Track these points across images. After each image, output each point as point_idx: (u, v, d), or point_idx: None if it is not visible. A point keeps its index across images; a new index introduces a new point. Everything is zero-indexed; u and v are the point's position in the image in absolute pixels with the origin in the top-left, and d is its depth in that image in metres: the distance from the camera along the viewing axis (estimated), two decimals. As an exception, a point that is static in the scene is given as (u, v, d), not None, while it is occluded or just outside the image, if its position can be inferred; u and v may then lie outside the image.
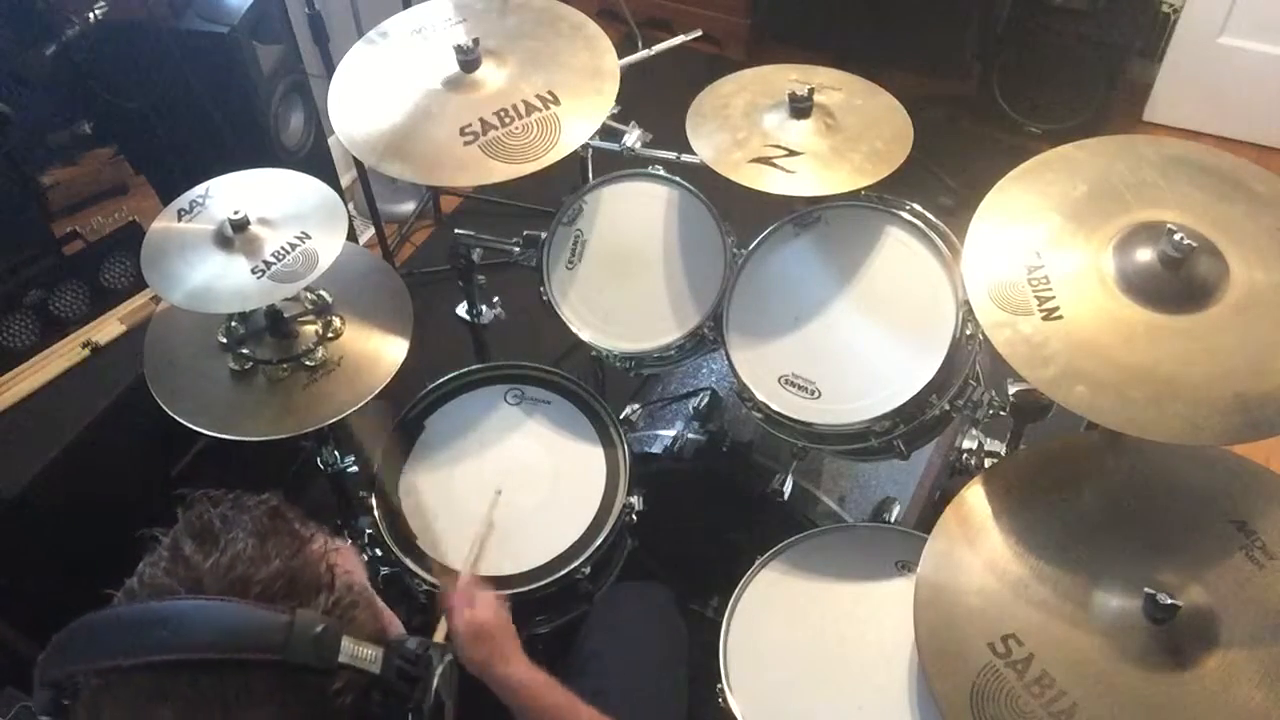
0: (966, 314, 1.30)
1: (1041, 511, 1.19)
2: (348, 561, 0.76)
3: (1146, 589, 1.06)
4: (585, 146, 1.66)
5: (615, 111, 1.55)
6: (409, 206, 2.90)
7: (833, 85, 1.51)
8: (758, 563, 1.40)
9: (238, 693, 0.65)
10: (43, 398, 1.64)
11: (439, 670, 0.75)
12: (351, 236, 1.88)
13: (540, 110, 1.46)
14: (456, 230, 1.74)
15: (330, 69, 1.94)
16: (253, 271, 1.33)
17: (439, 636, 1.21)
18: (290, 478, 2.01)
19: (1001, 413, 1.41)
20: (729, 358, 1.45)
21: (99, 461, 1.61)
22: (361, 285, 1.57)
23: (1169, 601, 1.04)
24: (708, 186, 1.54)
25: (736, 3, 3.21)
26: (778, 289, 1.47)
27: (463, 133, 1.44)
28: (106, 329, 1.73)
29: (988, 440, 1.49)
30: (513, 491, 1.48)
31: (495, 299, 1.85)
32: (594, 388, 1.63)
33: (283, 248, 1.35)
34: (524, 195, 2.71)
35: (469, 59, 1.50)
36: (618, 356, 1.57)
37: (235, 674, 0.65)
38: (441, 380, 1.63)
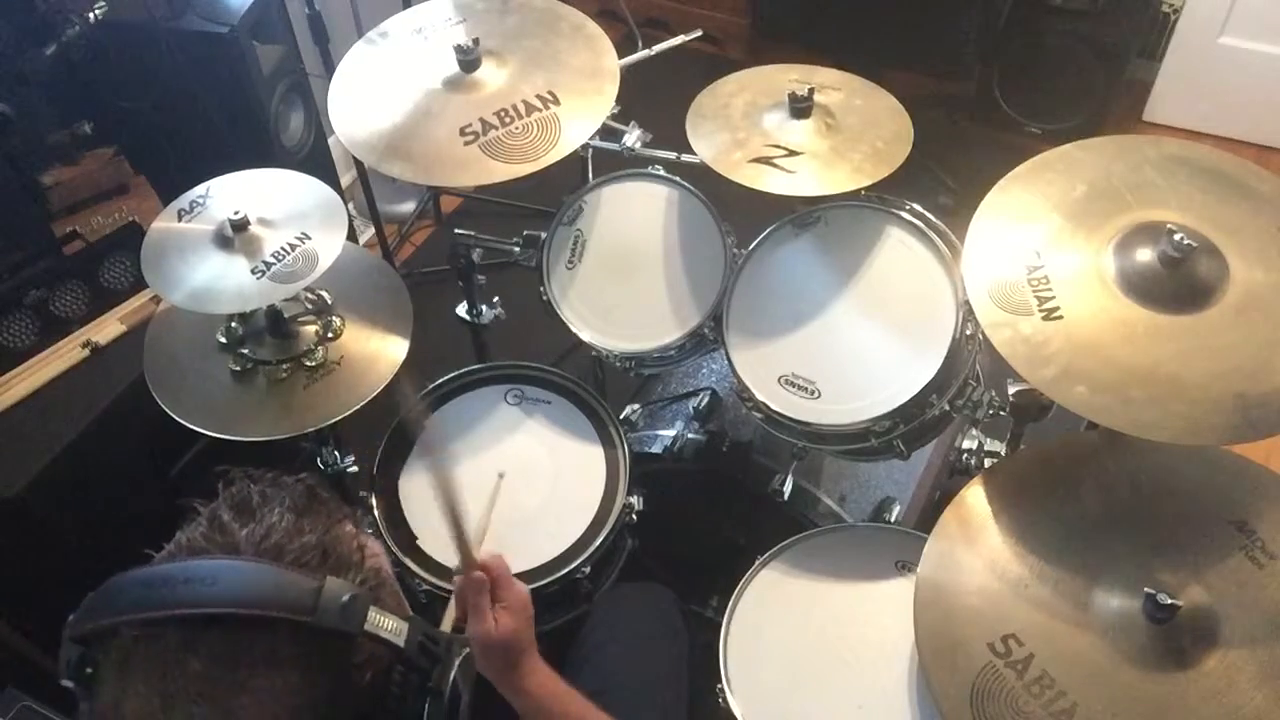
0: (966, 314, 1.30)
1: (1041, 511, 1.19)
2: (375, 548, 0.78)
3: (1146, 589, 1.06)
4: (585, 146, 1.66)
5: (615, 111, 1.55)
6: (409, 206, 2.90)
7: (833, 85, 1.51)
8: (758, 563, 1.40)
9: (265, 651, 0.66)
10: (43, 398, 1.63)
11: (459, 658, 0.76)
12: (351, 236, 1.88)
13: (540, 110, 1.46)
14: (456, 230, 1.74)
15: (330, 69, 1.95)
16: (253, 272, 1.33)
17: (446, 626, 1.20)
18: (290, 478, 2.01)
19: (1001, 413, 1.41)
20: (729, 358, 1.45)
21: (99, 461, 1.61)
22: (361, 285, 1.57)
23: (1169, 601, 1.05)
24: (708, 186, 1.54)
25: (736, 3, 3.21)
26: (778, 289, 1.47)
27: (463, 133, 1.44)
28: (106, 329, 1.72)
29: (988, 440, 1.49)
30: (513, 492, 1.48)
31: (495, 299, 1.85)
32: (594, 388, 1.63)
33: (283, 248, 1.35)
34: (524, 195, 2.71)
35: (469, 59, 1.50)
36: (618, 356, 1.57)
37: (264, 632, 0.66)
38: (441, 380, 1.63)
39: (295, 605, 0.67)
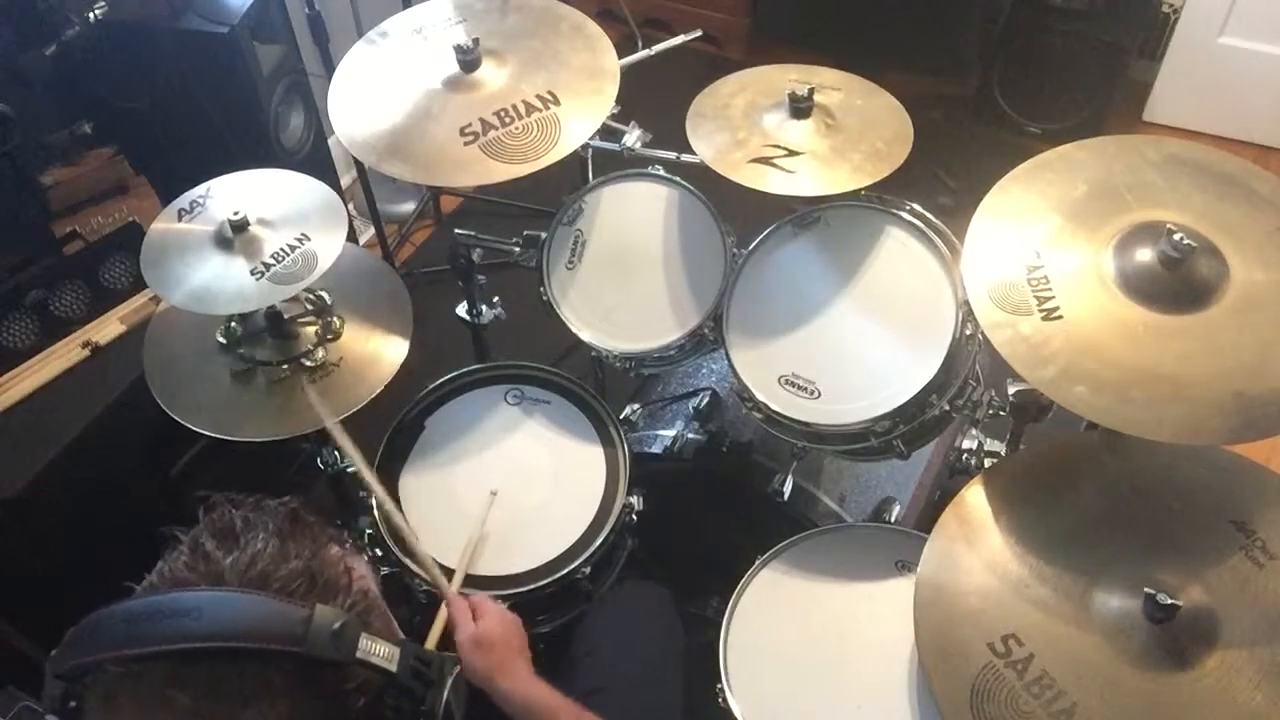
0: (966, 314, 1.30)
1: (1041, 511, 1.19)
2: (362, 568, 0.77)
3: (1146, 589, 1.06)
4: (585, 146, 1.66)
5: (615, 111, 1.55)
6: (409, 206, 2.90)
7: (833, 85, 1.51)
8: (758, 563, 1.40)
9: (255, 684, 0.65)
10: (43, 398, 1.64)
11: (451, 678, 0.76)
12: (351, 237, 1.88)
13: (540, 110, 1.46)
14: (456, 230, 1.73)
15: (330, 69, 1.94)
16: (252, 272, 1.33)
17: (432, 641, 1.21)
18: (290, 478, 2.01)
19: (1001, 413, 1.41)
20: (729, 358, 1.45)
21: (99, 461, 1.61)
22: (361, 285, 1.57)
23: (1169, 601, 1.04)
24: (708, 186, 1.54)
25: (736, 3, 3.21)
26: (778, 289, 1.47)
27: (463, 133, 1.44)
28: (106, 329, 1.73)
29: (988, 440, 1.49)
30: (513, 492, 1.48)
31: (495, 299, 1.85)
32: (594, 388, 1.63)
33: (282, 249, 1.35)
34: (524, 195, 2.71)
35: (469, 59, 1.50)
36: (618, 356, 1.57)
37: (253, 665, 0.65)
38: (441, 380, 1.63)
39: (284, 636, 0.65)
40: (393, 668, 0.70)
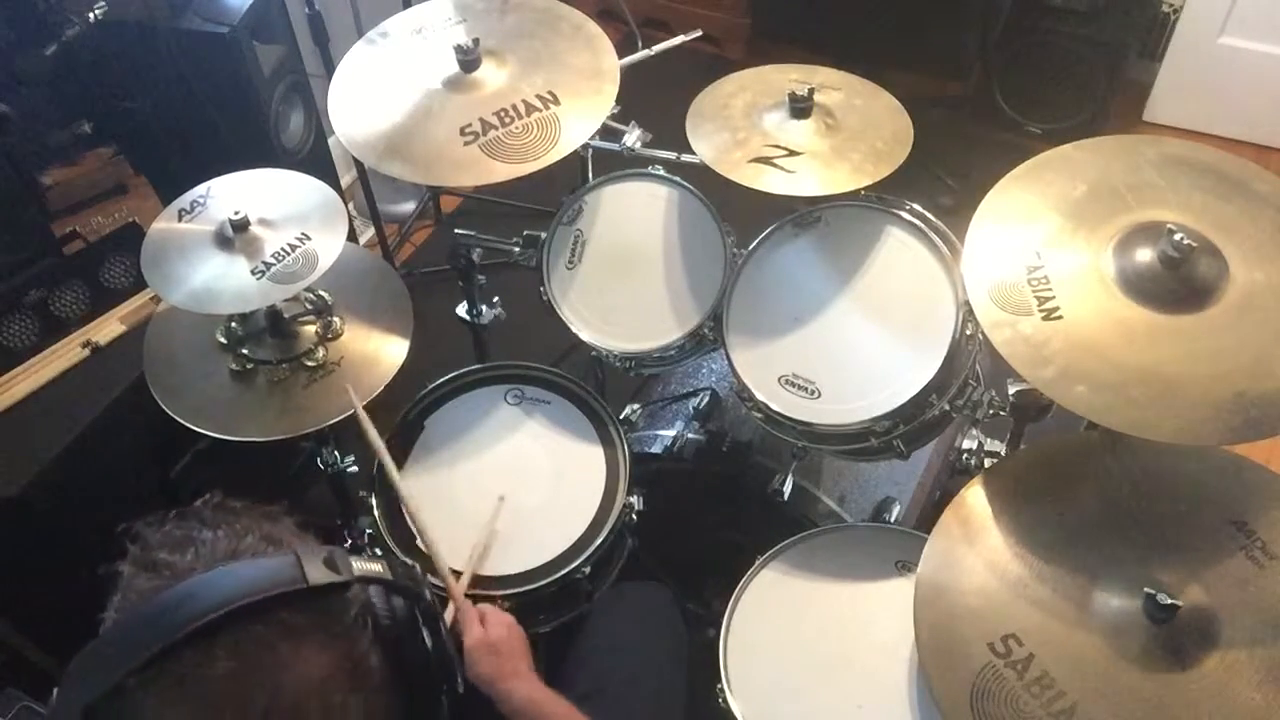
0: (966, 314, 1.30)
1: (1041, 511, 1.19)
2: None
3: (1146, 589, 1.07)
4: (585, 146, 1.66)
5: (615, 111, 1.55)
6: (409, 206, 2.90)
7: (833, 85, 1.51)
8: (758, 563, 1.40)
9: (277, 631, 0.67)
10: (43, 398, 1.64)
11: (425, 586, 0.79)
12: (351, 236, 1.88)
13: (540, 110, 1.46)
14: (456, 230, 1.73)
15: (330, 69, 1.94)
16: (253, 272, 1.33)
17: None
18: (290, 478, 2.01)
19: (1001, 413, 1.41)
20: (729, 358, 1.45)
21: (99, 461, 1.61)
22: (361, 285, 1.57)
23: (1169, 601, 1.05)
24: (708, 186, 1.54)
25: (736, 3, 3.21)
26: (778, 289, 1.47)
27: (463, 133, 1.44)
28: (106, 329, 1.73)
29: (988, 440, 1.49)
30: (513, 492, 1.48)
31: (495, 299, 1.85)
32: (594, 388, 1.63)
33: (283, 248, 1.36)
34: (524, 195, 2.71)
35: (469, 59, 1.50)
36: (618, 356, 1.57)
37: (270, 614, 0.67)
38: (441, 380, 1.63)
39: (286, 579, 0.68)
40: (389, 575, 0.73)
